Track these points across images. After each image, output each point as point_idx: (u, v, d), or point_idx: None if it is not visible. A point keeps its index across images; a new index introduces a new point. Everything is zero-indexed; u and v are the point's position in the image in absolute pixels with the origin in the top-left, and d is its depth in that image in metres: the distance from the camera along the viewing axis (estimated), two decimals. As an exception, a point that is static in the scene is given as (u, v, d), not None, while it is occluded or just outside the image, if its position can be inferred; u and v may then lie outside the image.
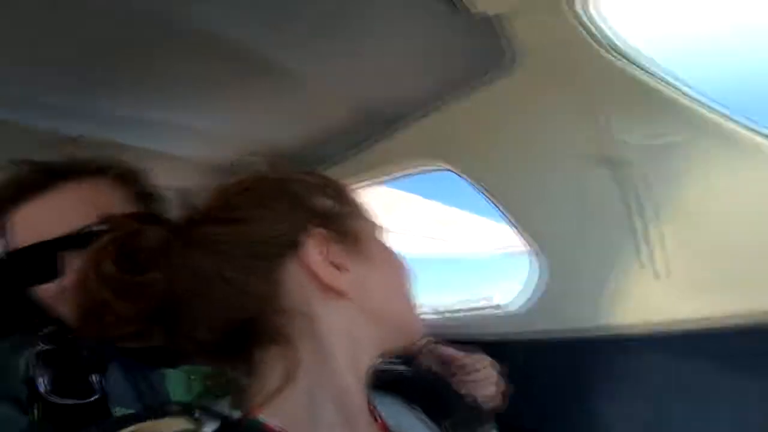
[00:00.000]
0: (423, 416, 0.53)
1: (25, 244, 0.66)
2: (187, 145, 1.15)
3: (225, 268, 0.40)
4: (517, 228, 0.84)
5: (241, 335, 0.41)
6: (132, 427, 0.39)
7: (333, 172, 1.19)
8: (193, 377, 0.67)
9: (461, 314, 1.01)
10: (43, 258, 0.67)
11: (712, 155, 0.64)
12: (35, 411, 0.65)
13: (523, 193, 0.83)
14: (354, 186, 1.19)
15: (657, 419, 0.70)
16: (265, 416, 0.39)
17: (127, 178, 0.74)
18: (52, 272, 0.67)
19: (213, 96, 0.88)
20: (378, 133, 0.99)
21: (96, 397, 0.65)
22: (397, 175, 1.05)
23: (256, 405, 0.40)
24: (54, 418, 0.63)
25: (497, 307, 0.89)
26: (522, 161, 0.81)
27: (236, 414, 0.41)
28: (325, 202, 0.44)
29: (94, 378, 0.67)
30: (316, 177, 0.48)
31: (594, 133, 0.70)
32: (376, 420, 0.46)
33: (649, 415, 0.71)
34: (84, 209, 0.66)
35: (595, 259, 0.75)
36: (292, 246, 0.40)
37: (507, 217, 0.85)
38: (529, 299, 0.85)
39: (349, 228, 0.43)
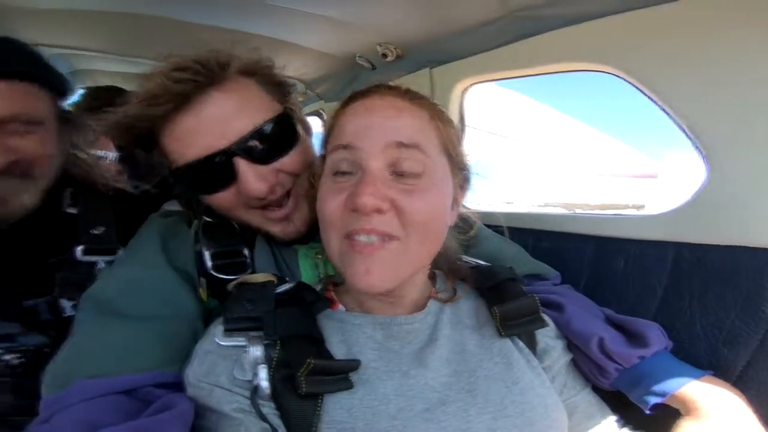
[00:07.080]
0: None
1: (192, 158, 0.66)
2: (315, 36, 1.12)
3: None
4: (686, 133, 0.75)
5: None
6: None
7: (470, 64, 1.12)
8: (319, 256, 0.74)
9: (597, 213, 0.95)
10: (219, 167, 0.66)
11: None
12: (203, 288, 0.71)
13: (702, 105, 0.73)
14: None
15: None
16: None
17: (258, 71, 0.73)
18: (228, 179, 0.68)
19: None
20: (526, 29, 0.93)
21: (249, 272, 0.71)
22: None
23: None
24: (218, 292, 0.67)
25: (640, 207, 0.82)
26: (709, 76, 0.72)
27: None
28: None
29: (246, 252, 0.75)
30: None
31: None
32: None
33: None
34: (238, 114, 0.67)
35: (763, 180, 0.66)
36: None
37: (678, 123, 0.76)
38: (678, 207, 0.78)
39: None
